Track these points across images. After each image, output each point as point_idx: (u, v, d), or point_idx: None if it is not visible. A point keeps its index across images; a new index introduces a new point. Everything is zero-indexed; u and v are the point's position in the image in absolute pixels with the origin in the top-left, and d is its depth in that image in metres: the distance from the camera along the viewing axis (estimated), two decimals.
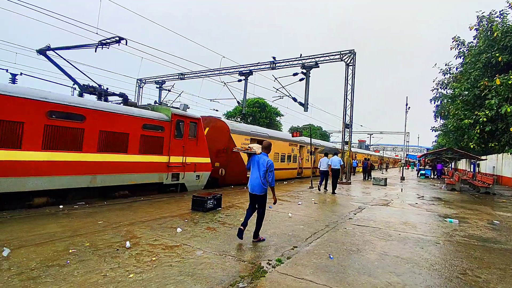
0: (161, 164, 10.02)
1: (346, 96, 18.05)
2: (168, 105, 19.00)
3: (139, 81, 25.81)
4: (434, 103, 23.38)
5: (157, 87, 25.12)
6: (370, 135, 65.60)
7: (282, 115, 44.33)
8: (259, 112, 39.84)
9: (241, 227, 5.23)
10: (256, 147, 5.50)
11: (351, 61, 17.61)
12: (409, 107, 27.43)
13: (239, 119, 38.01)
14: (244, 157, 13.23)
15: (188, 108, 11.79)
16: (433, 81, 22.03)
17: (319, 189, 13.88)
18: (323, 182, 14.06)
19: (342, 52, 17.64)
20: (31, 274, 3.47)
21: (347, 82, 17.95)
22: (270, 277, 3.80)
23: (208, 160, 11.99)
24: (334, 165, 13.62)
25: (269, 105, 40.56)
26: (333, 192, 13.04)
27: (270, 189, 5.34)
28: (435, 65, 20.73)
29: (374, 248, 5.30)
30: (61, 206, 7.20)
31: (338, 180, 14.41)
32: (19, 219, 5.92)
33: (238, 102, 22.04)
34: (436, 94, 22.65)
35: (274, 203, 5.47)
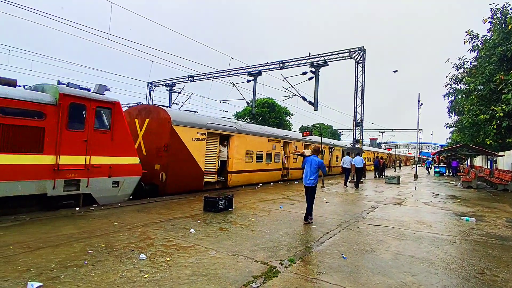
0: (42, 168, 6.92)
1: (357, 94, 17.85)
2: (179, 108, 19.18)
3: (149, 85, 26.20)
4: (448, 99, 22.81)
5: (167, 90, 25.44)
6: (382, 132, 64.62)
7: (292, 115, 44.21)
8: (268, 112, 39.81)
9: (307, 219, 7.02)
10: (307, 152, 8.65)
11: (361, 59, 17.41)
12: (422, 104, 26.91)
13: (248, 119, 38.10)
14: (199, 157, 11.16)
15: (107, 90, 8.67)
16: (446, 76, 21.51)
17: (345, 185, 15.82)
18: (349, 179, 16.60)
19: (351, 50, 17.45)
20: (50, 274, 3.58)
21: (357, 80, 17.76)
22: (283, 277, 3.80)
23: (135, 160, 8.89)
24: (358, 164, 15.80)
25: (278, 105, 40.49)
26: (356, 187, 15.38)
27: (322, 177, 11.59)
28: (448, 60, 20.24)
29: (388, 248, 5.23)
30: (77, 208, 7.38)
31: (350, 179, 16.82)
32: (38, 221, 6.11)
33: (247, 102, 22.10)
34: (450, 89, 22.10)
35: (322, 187, 10.80)
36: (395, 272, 4.10)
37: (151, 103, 25.66)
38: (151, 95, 26.15)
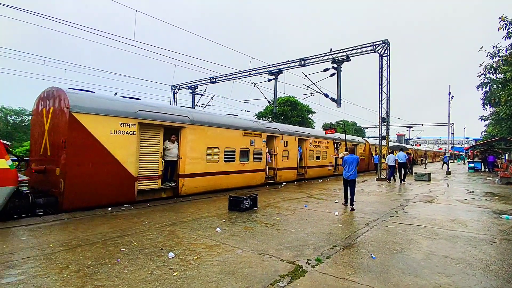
0: None
1: (381, 88, 17.26)
2: (201, 109, 19.57)
3: (173, 88, 26.91)
4: (482, 89, 21.45)
5: (190, 92, 25.99)
6: (410, 128, 62.02)
7: (314, 113, 43.56)
8: (290, 111, 39.53)
9: (344, 202, 8.97)
10: (342, 154, 9.76)
11: (385, 52, 16.81)
12: (453, 96, 25.52)
13: (270, 118, 38.08)
14: (124, 156, 8.39)
15: None
16: (480, 66, 20.21)
17: (389, 180, 17.25)
18: (393, 174, 17.78)
19: (375, 43, 16.90)
20: (87, 271, 3.79)
21: (381, 74, 17.16)
22: (310, 276, 3.77)
23: (1, 164, 6.28)
24: (401, 159, 17.53)
25: (300, 103, 40.07)
26: (402, 181, 16.85)
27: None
28: (481, 48, 19.01)
29: (420, 248, 5.02)
30: (109, 208, 7.74)
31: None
32: (75, 220, 6.48)
33: (269, 101, 22.07)
34: (484, 80, 20.75)
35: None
36: (428, 273, 3.93)
37: (175, 106, 26.40)
38: (175, 98, 26.86)
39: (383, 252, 4.74)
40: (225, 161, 11.64)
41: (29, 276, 3.58)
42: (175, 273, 3.76)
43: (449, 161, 26.65)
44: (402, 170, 17.09)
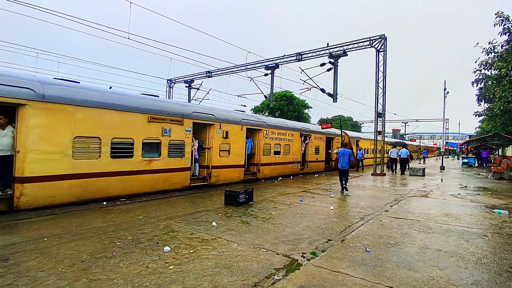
0: None
1: (378, 84, 17.28)
2: (197, 104, 19.41)
3: (169, 81, 26.68)
4: (477, 85, 21.55)
5: (186, 86, 25.79)
6: (405, 123, 62.39)
7: (310, 107, 43.51)
8: (286, 106, 39.48)
9: (342, 190, 10.50)
10: (336, 149, 12.31)
11: (382, 47, 16.80)
12: (448, 92, 25.66)
13: (267, 113, 37.99)
14: None
15: None
16: (475, 62, 20.30)
17: (393, 172, 19.38)
18: (394, 167, 19.83)
19: (372, 38, 16.86)
20: (82, 265, 3.77)
21: (378, 69, 17.17)
22: (305, 270, 3.79)
23: None
24: (403, 155, 19.28)
25: (296, 97, 40.00)
26: (402, 173, 18.43)
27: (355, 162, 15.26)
28: (477, 44, 19.07)
29: (414, 241, 5.08)
30: (104, 203, 7.69)
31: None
32: (70, 214, 6.43)
33: (265, 96, 22.00)
34: (479, 75, 20.85)
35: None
36: (422, 266, 3.98)
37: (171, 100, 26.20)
38: (171, 91, 26.64)
39: (377, 246, 4.78)
40: (113, 157, 8.16)
41: (23, 270, 3.55)
42: (171, 267, 3.76)
43: (443, 157, 26.84)
44: (403, 164, 19.39)
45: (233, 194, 7.80)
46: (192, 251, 4.36)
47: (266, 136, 14.17)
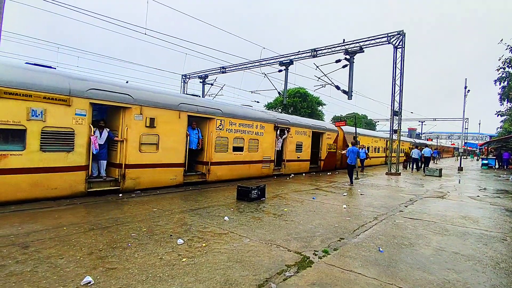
0: None
1: (395, 81, 16.88)
2: (211, 99, 19.46)
3: (183, 77, 26.94)
4: (500, 84, 20.76)
5: (200, 82, 25.98)
6: (422, 122, 60.76)
7: (324, 105, 43.05)
8: (300, 102, 39.17)
9: (351, 182, 12.15)
10: (346, 150, 12.58)
11: (400, 43, 16.37)
12: (469, 91, 24.76)
13: (280, 110, 37.85)
14: None
15: None
16: (499, 60, 19.51)
17: (412, 170, 20.69)
18: (414, 166, 21.11)
19: (389, 34, 16.45)
20: (99, 254, 3.89)
21: (395, 66, 16.76)
22: (317, 267, 3.79)
23: None
24: (426, 153, 20.75)
25: (310, 94, 39.63)
26: (424, 171, 18.74)
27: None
28: (501, 41, 18.30)
29: (429, 243, 4.97)
30: (120, 195, 7.89)
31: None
32: (89, 205, 6.64)
33: (279, 92, 21.89)
34: (503, 73, 20.05)
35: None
36: (437, 269, 3.90)
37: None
38: (185, 87, 26.90)
39: (391, 246, 4.71)
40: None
41: (44, 257, 3.71)
42: (184, 259, 3.83)
43: (462, 157, 25.96)
44: (427, 162, 20.81)
45: (245, 189, 7.84)
46: (204, 244, 4.43)
47: (220, 127, 10.96)
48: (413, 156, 20.91)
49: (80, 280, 3.13)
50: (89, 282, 3.11)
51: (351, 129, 20.14)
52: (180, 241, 4.45)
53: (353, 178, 12.54)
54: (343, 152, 14.73)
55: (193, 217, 5.95)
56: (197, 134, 10.47)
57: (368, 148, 21.60)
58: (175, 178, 9.53)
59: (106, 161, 8.34)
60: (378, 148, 25.74)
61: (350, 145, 13.05)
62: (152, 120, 8.69)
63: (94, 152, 7.67)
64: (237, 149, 11.82)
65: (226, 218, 5.95)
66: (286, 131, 14.31)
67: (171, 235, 4.75)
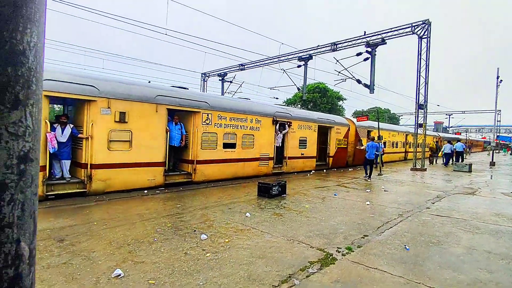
0: None
1: (419, 73, 16.22)
2: (230, 96, 19.56)
3: (203, 75, 27.29)
4: None
5: (219, 80, 26.22)
6: (449, 115, 58.00)
7: (345, 99, 42.15)
8: (320, 98, 38.59)
9: (366, 176, 12.40)
10: (365, 145, 13.03)
11: (425, 33, 15.67)
12: (501, 81, 23.32)
13: (299, 105, 37.48)
14: None
15: None
16: None
17: (446, 165, 20.16)
18: (449, 160, 20.60)
19: (413, 24, 15.78)
20: (128, 248, 4.06)
21: (420, 57, 16.09)
22: (341, 264, 3.75)
23: None
24: (459, 148, 21.08)
25: (330, 89, 38.92)
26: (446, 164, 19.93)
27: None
28: None
29: (459, 241, 4.77)
30: (145, 191, 8.16)
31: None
32: (115, 201, 6.92)
33: (298, 88, 21.67)
34: None
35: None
36: (468, 268, 3.74)
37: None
38: (205, 85, 27.25)
39: (418, 244, 4.57)
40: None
41: (78, 250, 3.92)
42: (208, 254, 3.92)
43: (494, 152, 24.52)
44: (459, 157, 21.23)
45: (266, 186, 7.87)
46: (227, 240, 4.50)
47: (207, 121, 9.89)
48: (445, 151, 20.68)
49: (111, 273, 3.29)
50: (119, 275, 3.26)
51: (364, 122, 18.73)
52: (203, 236, 4.56)
53: (371, 173, 12.43)
54: (362, 147, 14.29)
55: (177, 221, 6.05)
56: (180, 129, 9.49)
57: (384, 143, 19.36)
58: (153, 179, 8.60)
59: (69, 161, 7.57)
60: (396, 143, 24.01)
61: (363, 140, 13.42)
62: (122, 114, 7.78)
63: (51, 151, 6.88)
64: (228, 145, 10.73)
65: (247, 214, 6.01)
66: (287, 125, 12.96)
67: (194, 230, 4.86)
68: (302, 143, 13.97)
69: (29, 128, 0.72)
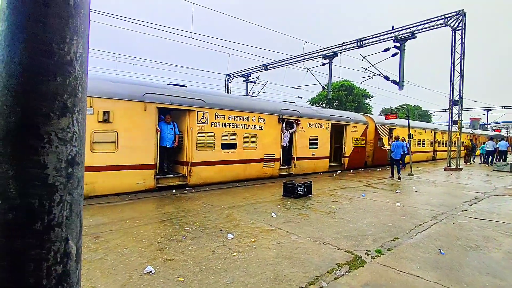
0: None
1: (453, 67, 15.33)
2: (255, 96, 19.62)
3: (227, 76, 27.64)
4: None
5: (243, 80, 26.42)
6: (487, 111, 54.19)
7: (372, 97, 40.83)
8: (345, 96, 37.69)
9: (391, 175, 12.38)
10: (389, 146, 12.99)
11: (460, 25, 14.79)
12: None
13: (324, 104, 36.85)
14: None
15: None
16: None
17: (489, 164, 19.24)
18: (491, 158, 19.72)
19: (447, 16, 14.94)
20: (158, 246, 4.21)
21: (454, 50, 15.21)
22: (370, 268, 3.64)
23: None
24: (502, 147, 19.70)
25: (356, 87, 37.89)
26: (490, 163, 18.82)
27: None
28: None
29: (500, 246, 4.46)
30: (173, 191, 8.41)
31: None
32: (146, 200, 7.21)
33: (322, 87, 21.31)
34: None
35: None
36: (510, 274, 3.48)
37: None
38: (229, 86, 27.59)
39: (454, 249, 4.32)
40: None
41: (112, 246, 4.12)
42: (234, 254, 3.97)
43: None
44: (502, 156, 19.90)
45: (291, 186, 7.82)
46: (253, 240, 4.52)
47: (203, 120, 9.27)
48: (487, 148, 19.69)
49: (142, 269, 3.42)
50: (151, 271, 3.38)
51: (383, 119, 17.45)
52: (230, 236, 4.61)
53: (399, 173, 12.04)
54: (388, 147, 13.73)
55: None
56: (173, 129, 8.99)
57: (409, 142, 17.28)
58: (143, 182, 8.10)
59: None
60: (423, 142, 21.70)
61: (384, 138, 13.32)
62: (106, 114, 7.36)
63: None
64: (228, 146, 9.99)
65: (273, 214, 6.00)
66: (294, 123, 12.04)
67: (221, 230, 4.94)
68: (313, 142, 13.02)
69: (76, 133, 0.77)
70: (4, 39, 0.71)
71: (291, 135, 12.12)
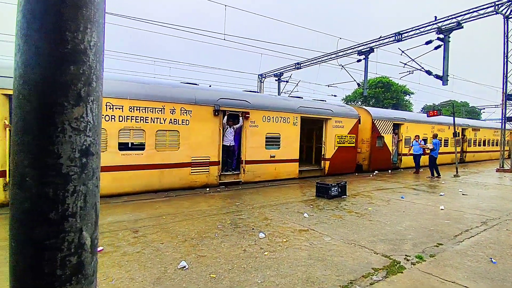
0: None
1: (506, 58, 13.93)
2: (287, 96, 19.46)
3: (260, 76, 27.74)
4: None
5: (275, 80, 26.35)
6: None
7: (412, 93, 38.52)
8: (383, 93, 35.97)
9: (433, 175, 11.95)
10: (430, 145, 12.76)
11: None
12: None
13: (359, 102, 35.52)
14: None
15: None
16: None
17: None
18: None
19: (497, 3, 13.61)
20: (191, 242, 4.33)
21: (506, 40, 13.82)
22: (410, 274, 3.41)
23: None
24: None
25: (395, 83, 36.00)
26: None
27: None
28: None
29: None
30: (207, 189, 8.61)
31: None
32: (181, 197, 7.46)
33: (358, 84, 20.54)
34: None
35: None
36: None
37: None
38: (262, 86, 27.67)
39: (508, 258, 3.91)
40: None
41: (149, 241, 4.32)
42: (266, 253, 3.95)
43: None
44: None
45: (325, 186, 7.62)
46: (285, 240, 4.47)
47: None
48: None
49: (177, 264, 3.54)
50: (184, 267, 3.48)
51: (385, 112, 15.06)
52: (261, 235, 4.61)
53: (437, 172, 11.99)
54: (427, 147, 12.72)
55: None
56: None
57: (425, 141, 15.24)
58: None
59: None
60: (447, 140, 17.93)
61: (385, 136, 13.55)
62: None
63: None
64: (130, 146, 8.41)
65: (305, 214, 5.89)
66: (241, 117, 9.52)
67: (252, 228, 4.95)
68: (272, 141, 10.27)
69: (90, 123, 0.78)
70: (20, 29, 0.73)
71: (240, 132, 9.69)
